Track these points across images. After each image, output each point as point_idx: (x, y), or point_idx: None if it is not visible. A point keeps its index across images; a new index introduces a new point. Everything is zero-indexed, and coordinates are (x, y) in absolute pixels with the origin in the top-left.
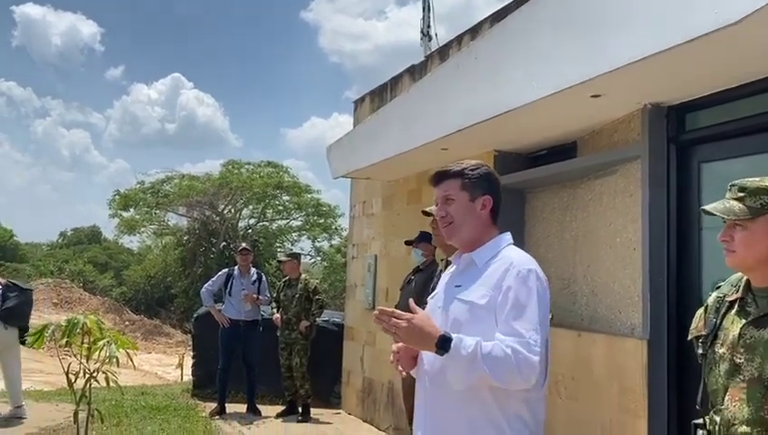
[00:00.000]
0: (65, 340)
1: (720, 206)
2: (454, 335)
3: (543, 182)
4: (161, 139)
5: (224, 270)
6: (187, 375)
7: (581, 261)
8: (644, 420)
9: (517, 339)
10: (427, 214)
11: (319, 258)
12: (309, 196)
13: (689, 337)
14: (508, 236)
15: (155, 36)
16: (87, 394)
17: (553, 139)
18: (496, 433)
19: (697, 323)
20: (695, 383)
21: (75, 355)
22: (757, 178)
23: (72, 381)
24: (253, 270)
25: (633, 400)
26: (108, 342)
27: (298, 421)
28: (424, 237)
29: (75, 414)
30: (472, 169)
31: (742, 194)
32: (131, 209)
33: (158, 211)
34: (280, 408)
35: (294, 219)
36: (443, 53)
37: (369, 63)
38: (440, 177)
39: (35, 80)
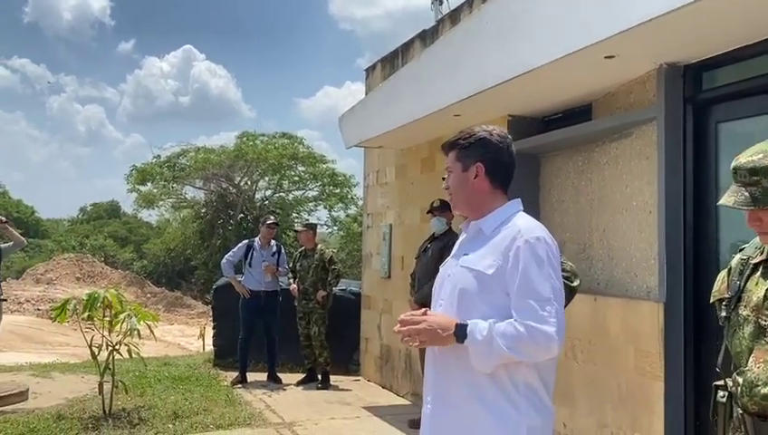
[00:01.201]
0: (87, 313)
1: (740, 198)
2: (468, 321)
3: (558, 146)
4: (175, 112)
5: (244, 241)
6: (209, 345)
7: (597, 225)
8: (661, 382)
9: (531, 315)
10: None
11: (335, 228)
12: (324, 166)
13: (711, 300)
14: (517, 203)
15: (164, 8)
16: (111, 366)
17: (567, 102)
18: (504, 399)
19: (720, 286)
20: (711, 346)
21: (97, 328)
22: (757, 156)
23: (96, 353)
24: (272, 242)
25: (650, 362)
26: (128, 315)
27: (318, 388)
28: (447, 206)
29: (100, 385)
30: (464, 138)
31: (756, 177)
32: (149, 183)
33: (175, 185)
34: (300, 376)
35: (310, 190)
36: (454, 16)
37: (380, 29)
38: (444, 149)
39: (48, 56)
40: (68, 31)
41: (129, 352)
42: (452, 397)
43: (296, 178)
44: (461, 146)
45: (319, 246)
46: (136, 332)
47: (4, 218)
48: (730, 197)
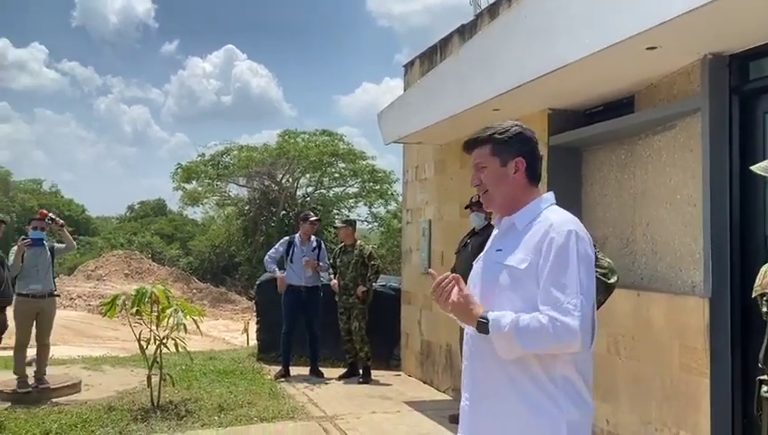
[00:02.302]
0: (135, 309)
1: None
2: (490, 317)
3: (600, 139)
4: (218, 111)
5: (285, 238)
6: (253, 340)
7: (641, 220)
8: (707, 378)
9: (555, 306)
10: None
11: (376, 224)
12: (364, 162)
13: (753, 295)
14: (550, 197)
15: (206, 9)
16: (158, 360)
17: (609, 94)
18: (543, 394)
19: (762, 281)
20: (759, 342)
21: (146, 323)
22: None
23: (144, 347)
24: (312, 238)
25: (695, 359)
26: (175, 310)
27: (359, 383)
28: None
29: (148, 378)
30: (500, 133)
31: None
32: (194, 182)
33: (219, 183)
34: (342, 370)
35: (351, 186)
36: (493, 11)
37: (419, 25)
38: (470, 144)
39: (96, 58)
40: (114, 34)
41: (176, 346)
42: (490, 392)
43: (337, 175)
44: (498, 141)
45: (358, 242)
46: (182, 326)
47: (61, 222)
48: (761, 163)
